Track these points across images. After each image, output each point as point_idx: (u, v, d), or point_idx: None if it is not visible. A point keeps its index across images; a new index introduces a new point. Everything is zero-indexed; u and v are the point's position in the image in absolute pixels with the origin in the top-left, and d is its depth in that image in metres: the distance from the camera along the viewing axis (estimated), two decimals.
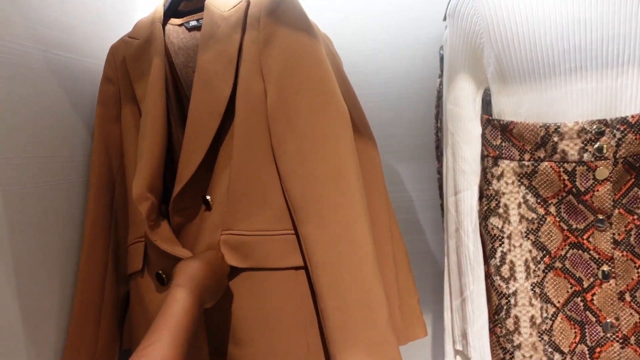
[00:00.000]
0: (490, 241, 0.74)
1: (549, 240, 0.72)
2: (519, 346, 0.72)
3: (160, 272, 0.77)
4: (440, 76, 0.99)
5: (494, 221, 0.73)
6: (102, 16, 0.96)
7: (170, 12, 0.85)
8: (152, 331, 0.57)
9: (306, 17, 0.74)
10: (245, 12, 0.74)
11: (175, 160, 0.81)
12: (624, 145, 0.66)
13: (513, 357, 0.73)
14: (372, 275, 0.67)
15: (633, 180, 0.68)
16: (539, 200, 0.72)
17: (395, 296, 0.78)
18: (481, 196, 0.75)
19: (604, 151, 0.67)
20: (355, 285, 0.66)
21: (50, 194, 0.81)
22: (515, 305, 0.72)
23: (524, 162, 0.71)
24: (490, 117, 0.73)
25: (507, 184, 0.72)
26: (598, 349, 0.71)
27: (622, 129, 0.66)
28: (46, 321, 0.80)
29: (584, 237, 0.70)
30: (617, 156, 0.67)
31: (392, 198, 0.93)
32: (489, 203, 0.73)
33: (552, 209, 0.71)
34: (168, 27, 0.83)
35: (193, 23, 0.82)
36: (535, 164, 0.70)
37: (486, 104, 0.74)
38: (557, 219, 0.71)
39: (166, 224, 0.77)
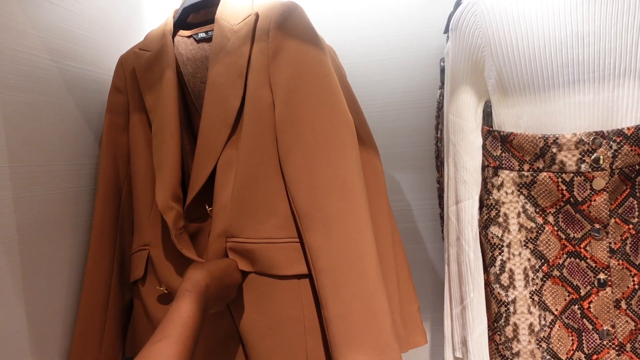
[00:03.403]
0: (490, 250, 0.75)
1: (548, 249, 0.73)
2: (517, 354, 0.73)
3: (159, 287, 0.79)
4: (441, 87, 1.01)
5: (494, 230, 0.75)
6: (111, 28, 0.98)
7: (179, 23, 0.87)
8: (160, 330, 0.58)
9: (313, 30, 0.76)
10: (254, 25, 0.76)
11: (184, 169, 0.83)
12: (620, 156, 0.68)
13: None
14: (376, 283, 0.69)
15: (629, 190, 0.70)
16: (537, 210, 0.74)
17: (397, 303, 0.80)
18: (481, 205, 0.77)
19: (601, 162, 0.69)
20: (359, 292, 0.68)
21: (59, 201, 0.83)
22: (515, 312, 0.73)
23: (523, 172, 0.73)
24: (491, 129, 0.75)
25: (507, 193, 0.74)
26: (595, 356, 0.72)
27: (618, 140, 0.68)
28: (51, 326, 0.81)
29: (581, 245, 0.72)
30: (614, 167, 0.69)
31: (392, 207, 0.95)
32: (489, 212, 0.75)
33: (551, 219, 0.73)
34: (177, 38, 0.85)
35: (202, 35, 0.84)
36: (534, 174, 0.72)
37: (487, 116, 0.76)
38: (555, 228, 0.73)
39: (186, 234, 0.78)
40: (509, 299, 0.74)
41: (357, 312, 0.67)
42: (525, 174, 0.73)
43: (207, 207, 0.78)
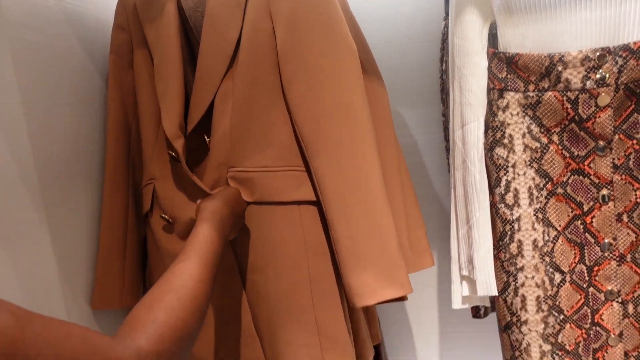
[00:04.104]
0: (495, 171, 0.77)
1: (552, 168, 0.75)
2: (521, 268, 0.77)
3: (163, 215, 0.81)
4: (445, 19, 1.00)
5: (499, 151, 0.76)
6: None
7: None
8: (181, 254, 0.61)
9: None
10: None
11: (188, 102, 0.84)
12: (625, 71, 0.69)
13: (516, 279, 0.78)
14: (381, 204, 0.71)
15: (633, 106, 0.71)
16: (542, 130, 0.75)
17: (404, 228, 0.83)
18: (487, 128, 0.78)
19: (606, 78, 0.69)
20: (365, 213, 0.71)
21: (72, 139, 0.85)
22: (519, 230, 0.76)
23: (528, 93, 0.74)
24: (496, 50, 0.75)
25: (512, 115, 0.75)
26: (596, 268, 0.76)
27: (624, 55, 0.68)
28: (77, 260, 0.85)
29: (585, 163, 0.74)
30: (619, 83, 0.69)
31: (399, 142, 0.96)
32: (494, 134, 0.76)
33: (555, 138, 0.75)
34: None
35: None
36: (540, 94, 0.73)
37: (492, 37, 0.76)
38: (560, 147, 0.75)
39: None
40: (514, 217, 0.76)
41: (363, 231, 0.70)
42: (531, 94, 0.74)
43: (206, 138, 0.80)
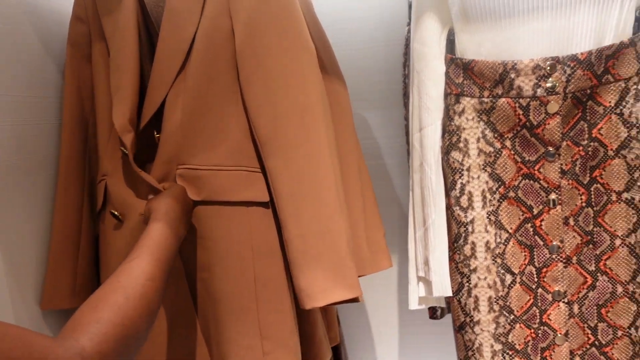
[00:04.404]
0: (451, 174, 0.79)
1: (504, 172, 0.78)
2: (474, 270, 0.79)
3: (113, 211, 0.79)
4: (409, 24, 1.01)
5: (455, 155, 0.78)
6: None
7: None
8: (132, 252, 0.60)
9: None
10: None
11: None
12: (573, 80, 0.72)
13: (469, 280, 0.80)
14: (333, 206, 0.72)
15: (580, 114, 0.74)
16: (496, 135, 0.77)
17: (363, 229, 0.84)
18: (444, 132, 0.80)
19: (556, 87, 0.72)
20: (317, 214, 0.71)
21: (25, 133, 0.82)
22: (473, 232, 0.78)
23: (483, 98, 0.76)
24: (454, 56, 0.77)
25: (467, 119, 0.77)
26: (544, 269, 0.78)
27: (572, 65, 0.71)
28: (26, 258, 0.81)
29: (535, 168, 0.77)
30: (567, 91, 0.72)
31: (361, 145, 0.97)
32: (450, 138, 0.78)
33: (508, 143, 0.77)
34: None
35: None
36: (494, 100, 0.75)
37: (450, 44, 0.78)
38: (512, 152, 0.77)
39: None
40: (468, 220, 0.78)
41: (314, 232, 0.71)
42: (485, 100, 0.76)
43: (155, 134, 0.79)
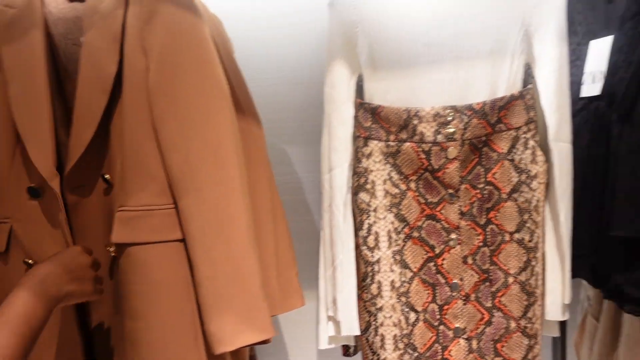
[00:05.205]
0: (359, 214, 0.81)
1: (409, 213, 0.80)
2: (381, 308, 0.80)
3: (28, 260, 0.74)
4: None
5: (363, 196, 0.80)
6: None
7: None
8: None
9: None
10: None
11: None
12: (469, 128, 0.77)
13: (376, 318, 0.81)
14: (245, 247, 0.71)
15: (477, 159, 0.79)
16: (401, 177, 0.80)
17: (274, 269, 0.83)
18: (353, 173, 0.81)
19: (454, 133, 0.76)
20: (227, 256, 0.70)
21: None
22: (379, 271, 0.80)
23: (389, 142, 0.79)
24: (363, 101, 0.80)
25: (375, 162, 0.79)
26: (446, 307, 0.81)
27: (468, 114, 0.76)
28: None
29: (437, 209, 0.80)
30: (464, 138, 0.77)
31: (281, 180, 0.97)
32: (358, 179, 0.80)
33: (412, 185, 0.80)
34: None
35: None
36: (399, 144, 0.78)
37: (359, 89, 0.81)
38: (416, 194, 0.80)
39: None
40: (374, 259, 0.80)
41: (225, 275, 0.70)
42: (391, 144, 0.79)
43: (105, 175, 0.76)
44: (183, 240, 0.73)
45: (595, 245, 0.81)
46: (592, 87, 0.84)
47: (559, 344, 1.11)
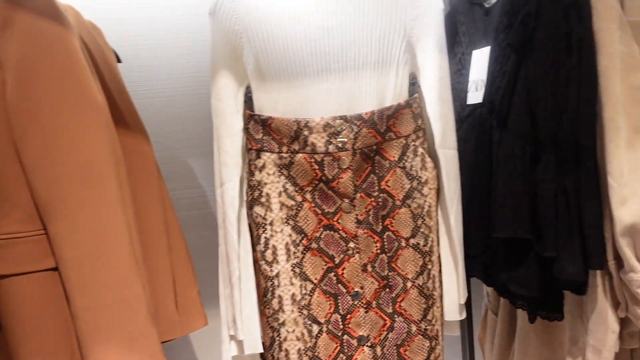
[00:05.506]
0: (255, 229, 0.79)
1: (306, 224, 0.80)
2: (283, 323, 0.79)
3: None
4: None
5: (258, 210, 0.78)
6: None
7: None
8: None
9: (53, 3, 0.69)
10: None
11: None
12: (360, 137, 0.77)
13: (279, 333, 0.79)
14: (127, 272, 0.67)
15: (370, 168, 0.80)
16: (296, 189, 0.79)
17: (170, 290, 0.79)
18: (248, 187, 0.80)
19: (345, 143, 0.77)
20: (106, 283, 0.65)
21: None
22: (279, 285, 0.79)
23: (282, 154, 0.78)
24: (253, 113, 0.78)
25: (268, 174, 0.78)
26: (349, 316, 0.81)
27: (358, 124, 0.77)
28: None
29: (334, 219, 0.80)
30: (355, 147, 0.78)
31: (185, 194, 0.93)
32: (252, 193, 0.78)
33: (308, 196, 0.80)
34: None
35: None
36: (292, 156, 0.78)
37: (249, 100, 0.79)
38: (313, 205, 0.80)
39: None
40: (274, 274, 0.78)
41: (105, 303, 0.65)
42: (284, 155, 0.78)
43: None
44: (57, 269, 0.68)
45: (486, 246, 0.85)
46: (475, 94, 0.89)
47: (467, 341, 1.15)
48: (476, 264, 0.88)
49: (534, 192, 0.73)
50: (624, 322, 0.73)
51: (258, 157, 0.78)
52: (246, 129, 0.79)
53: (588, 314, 0.75)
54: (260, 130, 0.78)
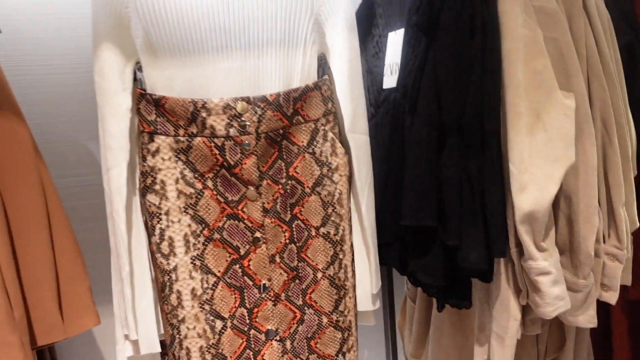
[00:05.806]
0: (149, 218, 0.72)
1: (208, 214, 0.74)
2: (183, 320, 0.73)
3: None
4: None
5: (151, 198, 0.72)
6: None
7: None
8: None
9: None
10: None
11: None
12: (264, 121, 0.72)
13: (179, 331, 0.74)
14: None
15: (277, 153, 0.75)
16: (196, 175, 0.73)
17: (50, 287, 0.71)
18: (140, 173, 0.73)
19: (247, 126, 0.72)
20: None
21: None
22: (177, 280, 0.73)
23: (179, 137, 0.71)
24: (144, 91, 0.71)
25: (163, 160, 0.72)
26: (256, 310, 0.77)
27: (262, 106, 0.72)
28: None
29: (239, 207, 0.75)
30: (259, 131, 0.72)
31: (75, 183, 0.84)
32: (144, 180, 0.72)
33: (210, 183, 0.74)
34: None
35: None
36: (190, 140, 0.71)
37: (140, 77, 0.72)
38: (215, 193, 0.74)
39: None
40: (171, 267, 0.72)
41: None
42: (181, 139, 0.71)
43: None
44: None
45: (398, 234, 0.83)
46: (390, 78, 0.86)
47: (389, 328, 1.15)
48: (391, 252, 0.86)
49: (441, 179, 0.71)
50: (525, 309, 0.73)
51: (151, 140, 0.71)
52: (137, 110, 0.71)
53: (493, 302, 0.74)
54: (154, 111, 0.71)
